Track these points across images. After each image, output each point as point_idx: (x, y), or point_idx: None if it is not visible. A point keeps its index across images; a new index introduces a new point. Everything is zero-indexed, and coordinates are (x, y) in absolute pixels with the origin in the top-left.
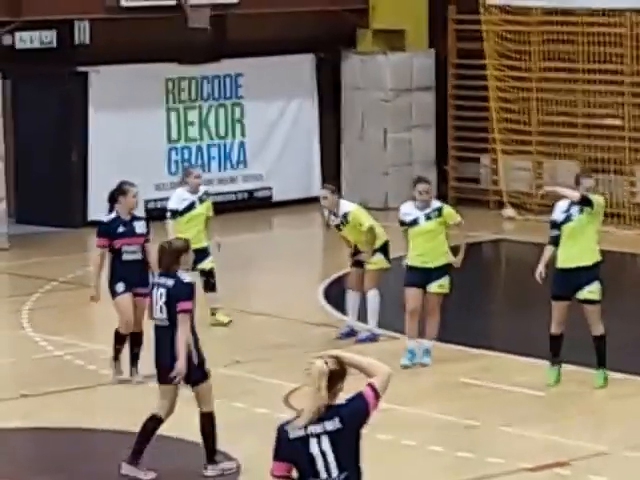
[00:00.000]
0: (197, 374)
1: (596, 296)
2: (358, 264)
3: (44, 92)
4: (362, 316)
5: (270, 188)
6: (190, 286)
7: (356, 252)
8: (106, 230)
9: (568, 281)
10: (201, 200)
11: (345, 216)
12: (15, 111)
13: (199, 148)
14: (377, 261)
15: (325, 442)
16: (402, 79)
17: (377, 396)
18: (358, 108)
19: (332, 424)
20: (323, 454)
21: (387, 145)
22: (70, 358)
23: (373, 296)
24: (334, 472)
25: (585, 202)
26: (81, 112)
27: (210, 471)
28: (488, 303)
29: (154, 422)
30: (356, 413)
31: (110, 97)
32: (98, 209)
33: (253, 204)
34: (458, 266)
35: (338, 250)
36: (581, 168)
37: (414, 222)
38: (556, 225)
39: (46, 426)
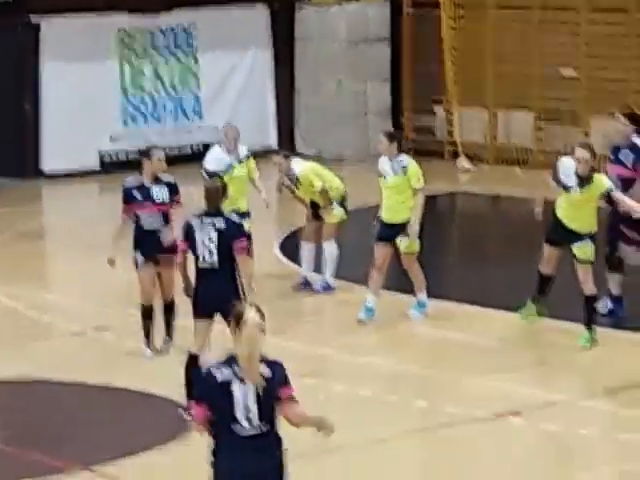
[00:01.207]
0: None
1: (585, 256)
2: (316, 217)
3: None
4: (317, 268)
5: None
6: (242, 225)
7: (314, 206)
8: (124, 195)
9: (562, 232)
10: (240, 161)
11: (297, 179)
12: None
13: (153, 100)
14: (336, 214)
15: (250, 389)
16: (357, 30)
17: (290, 399)
18: (313, 59)
19: (263, 370)
20: (245, 400)
21: (342, 96)
22: (23, 309)
23: (330, 247)
24: (255, 420)
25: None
26: (33, 63)
27: None
28: (444, 255)
29: (194, 361)
30: (277, 384)
31: (62, 48)
32: (51, 160)
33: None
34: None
35: (294, 203)
36: (579, 142)
37: (384, 175)
38: (565, 187)
39: None
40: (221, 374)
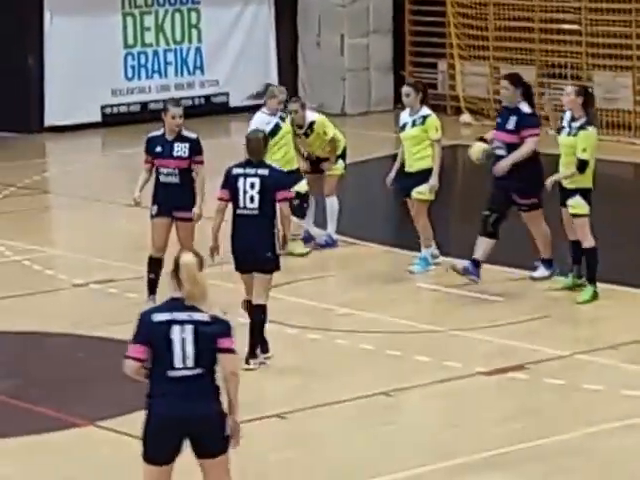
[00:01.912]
0: (271, 265)
1: (576, 210)
2: (317, 171)
3: None
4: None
5: (227, 94)
6: (287, 175)
7: (313, 160)
8: (145, 145)
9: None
10: (282, 119)
11: (311, 125)
12: None
13: (155, 53)
14: (338, 167)
15: (188, 331)
16: None
17: (229, 351)
18: (315, 13)
19: (201, 316)
20: (183, 342)
21: (344, 51)
22: (28, 263)
23: (333, 202)
24: (189, 362)
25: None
26: (37, 17)
27: (252, 364)
28: (445, 209)
29: (249, 305)
30: (218, 333)
31: (66, 2)
32: (55, 114)
33: (210, 109)
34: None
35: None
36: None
37: (403, 128)
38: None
39: (4, 330)
40: (161, 316)
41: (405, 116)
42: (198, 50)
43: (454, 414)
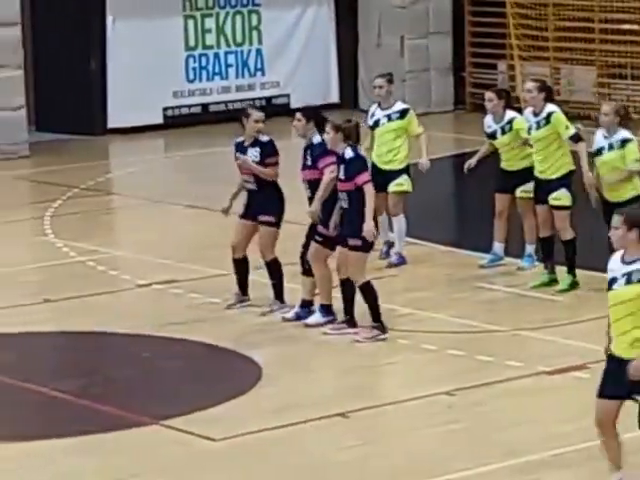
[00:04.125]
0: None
1: (561, 202)
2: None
3: (62, 0)
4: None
5: (288, 95)
6: (365, 159)
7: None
8: (234, 153)
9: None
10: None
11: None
12: (33, 19)
13: (216, 55)
14: (402, 183)
15: None
16: None
17: None
18: (375, 15)
19: None
20: None
21: (404, 52)
22: (93, 264)
23: (400, 221)
24: None
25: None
26: (99, 20)
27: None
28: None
29: (345, 284)
30: None
31: (128, 5)
32: (118, 116)
33: (271, 111)
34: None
35: None
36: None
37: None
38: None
39: (69, 330)
40: None
41: (489, 121)
42: (259, 52)
43: (518, 413)
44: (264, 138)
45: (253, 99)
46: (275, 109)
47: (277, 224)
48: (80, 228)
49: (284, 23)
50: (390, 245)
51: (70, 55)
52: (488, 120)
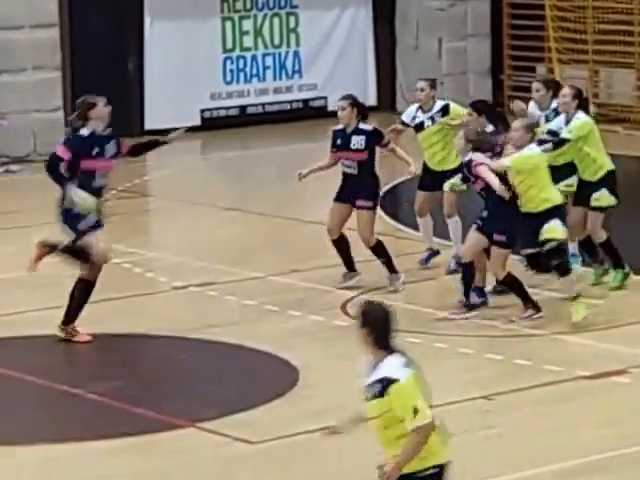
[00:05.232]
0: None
1: (601, 202)
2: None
3: (100, 2)
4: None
5: (325, 97)
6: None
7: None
8: (331, 139)
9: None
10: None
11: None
12: (71, 21)
13: (254, 57)
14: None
15: None
16: None
17: None
18: (413, 17)
19: None
20: None
21: (442, 54)
22: (129, 266)
23: (455, 222)
24: None
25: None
26: (137, 22)
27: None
28: None
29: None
30: None
31: (166, 6)
32: (155, 118)
33: (308, 113)
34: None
35: (392, 160)
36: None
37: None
38: None
39: (106, 332)
40: None
41: (533, 108)
42: (296, 54)
43: (558, 418)
44: (367, 127)
45: (290, 101)
46: (312, 111)
47: (374, 207)
48: (117, 230)
49: (322, 25)
50: (433, 253)
51: (108, 56)
52: (532, 106)
